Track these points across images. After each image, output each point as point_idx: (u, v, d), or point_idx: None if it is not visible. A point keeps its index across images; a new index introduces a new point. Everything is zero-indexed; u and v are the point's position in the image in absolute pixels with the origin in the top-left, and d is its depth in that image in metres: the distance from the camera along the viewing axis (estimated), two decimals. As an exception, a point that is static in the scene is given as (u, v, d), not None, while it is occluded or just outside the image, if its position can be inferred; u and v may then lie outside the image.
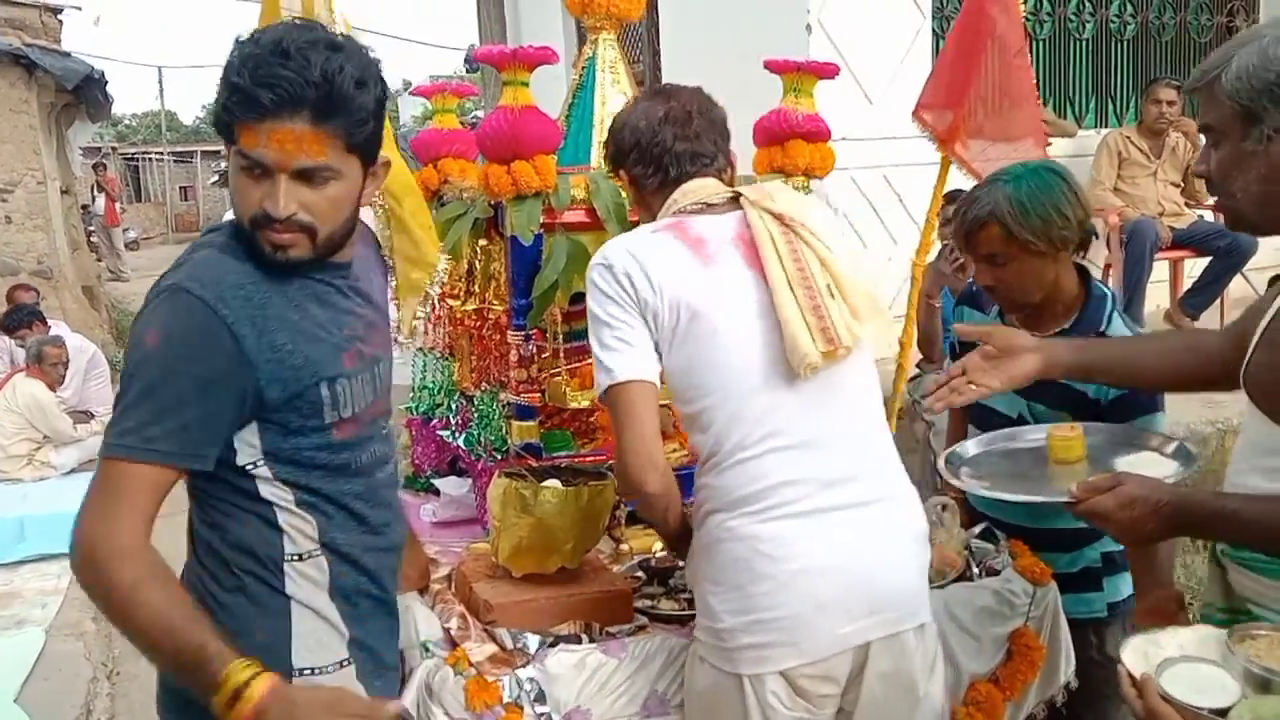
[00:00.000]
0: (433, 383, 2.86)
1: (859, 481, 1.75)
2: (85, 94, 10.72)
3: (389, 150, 2.62)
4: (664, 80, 6.42)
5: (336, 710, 1.38)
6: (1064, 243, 2.10)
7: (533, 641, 1.89)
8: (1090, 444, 1.90)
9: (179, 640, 1.36)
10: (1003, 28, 3.13)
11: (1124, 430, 2.01)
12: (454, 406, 2.73)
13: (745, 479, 1.71)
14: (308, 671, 1.55)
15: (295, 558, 1.54)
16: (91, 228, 15.26)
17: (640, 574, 2.20)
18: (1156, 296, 5.64)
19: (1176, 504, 1.53)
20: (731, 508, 1.72)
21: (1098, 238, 2.21)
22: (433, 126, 2.91)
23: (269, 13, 2.84)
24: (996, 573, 2.21)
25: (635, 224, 1.99)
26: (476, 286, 2.53)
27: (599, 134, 2.52)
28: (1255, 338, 1.58)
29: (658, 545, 2.26)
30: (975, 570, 2.22)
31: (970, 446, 2.04)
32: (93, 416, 6.51)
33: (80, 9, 12.64)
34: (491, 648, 1.90)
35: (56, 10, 11.17)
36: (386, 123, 2.62)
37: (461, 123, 3.04)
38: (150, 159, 28.69)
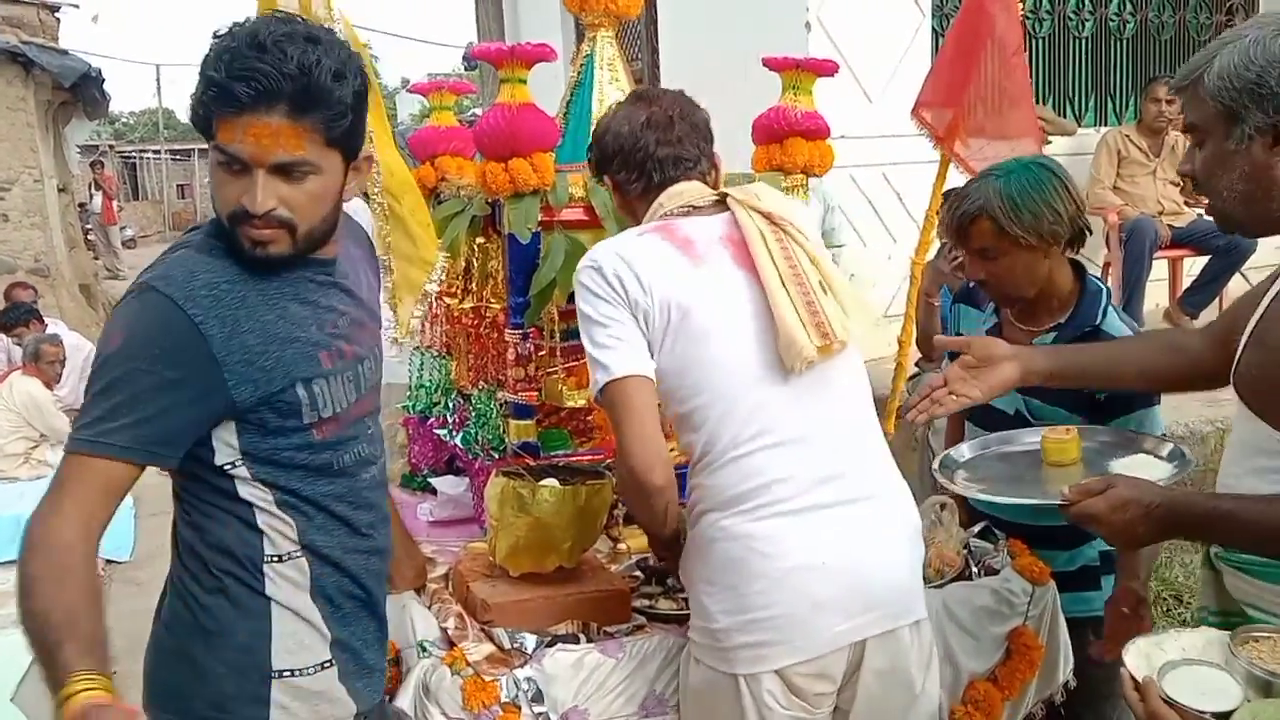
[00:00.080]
0: (430, 381, 2.85)
1: (851, 478, 1.75)
2: (82, 92, 10.71)
3: (388, 149, 2.61)
4: (662, 78, 6.42)
5: None
6: (1055, 238, 2.11)
7: (530, 641, 1.88)
8: (1085, 447, 1.91)
9: (46, 638, 1.32)
10: (1002, 26, 3.13)
11: (1119, 433, 2.03)
12: (451, 405, 2.72)
13: (738, 477, 1.71)
14: (288, 673, 1.54)
15: (275, 559, 1.53)
16: (89, 226, 15.25)
17: (638, 573, 2.19)
18: (1156, 295, 5.64)
19: (1168, 506, 1.52)
20: (725, 506, 1.72)
21: (1091, 233, 2.21)
22: (430, 124, 2.90)
23: (266, 11, 2.84)
24: (995, 572, 2.21)
25: (635, 223, 1.98)
26: (474, 285, 2.52)
27: (597, 132, 2.51)
28: (1244, 337, 1.58)
29: (656, 544, 2.26)
30: (974, 569, 2.21)
31: (965, 450, 2.05)
32: (90, 415, 6.49)
33: (78, 6, 12.62)
34: (489, 647, 1.90)
35: (54, 8, 11.16)
36: (385, 121, 2.62)
37: (459, 120, 3.04)
38: (147, 157, 28.67)
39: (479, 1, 8.72)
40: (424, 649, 1.93)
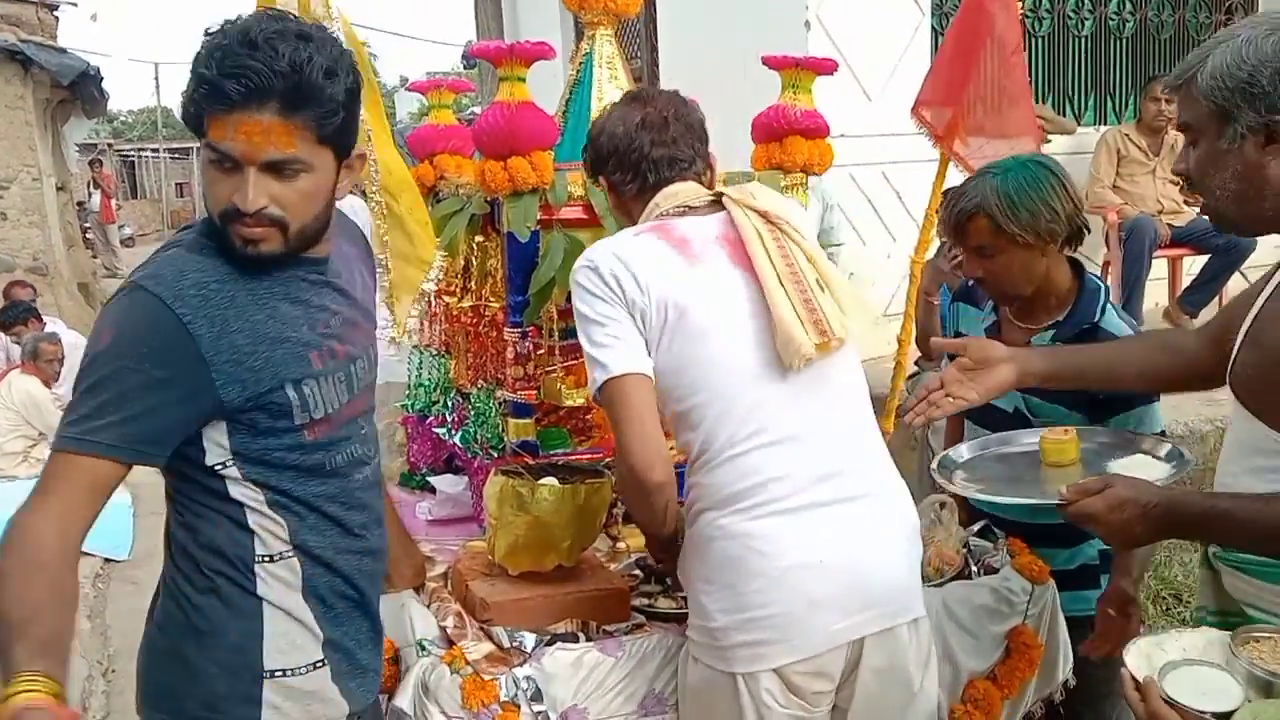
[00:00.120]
0: (429, 380, 2.85)
1: (848, 476, 1.75)
2: (81, 90, 10.70)
3: (386, 147, 2.60)
4: (662, 76, 6.42)
5: None
6: (1052, 235, 2.11)
7: (529, 640, 1.88)
8: (1084, 447, 1.92)
9: (1, 635, 1.31)
10: (1001, 25, 3.13)
11: (1117, 433, 2.03)
12: (450, 404, 2.72)
13: (735, 476, 1.71)
14: (279, 673, 1.54)
15: (266, 559, 1.53)
16: (87, 224, 15.24)
17: (637, 572, 2.19)
18: (1155, 294, 5.64)
19: (1166, 506, 1.53)
20: (722, 505, 1.72)
21: (1089, 232, 2.22)
22: (429, 122, 2.90)
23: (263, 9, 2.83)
24: (995, 571, 2.21)
25: (631, 224, 1.98)
26: (473, 283, 2.52)
27: (596, 130, 2.50)
28: (1240, 337, 1.58)
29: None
30: (974, 568, 2.21)
31: (964, 450, 2.06)
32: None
33: (76, 5, 12.63)
34: (488, 646, 1.89)
35: (52, 6, 11.14)
36: (384, 119, 2.61)
37: (458, 119, 3.03)
38: (146, 155, 28.67)
39: (478, 0, 8.71)
40: (423, 648, 1.93)
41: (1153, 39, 6.60)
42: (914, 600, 1.79)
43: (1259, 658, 1.29)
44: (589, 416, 2.57)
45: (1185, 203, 5.56)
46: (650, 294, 1.73)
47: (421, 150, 2.79)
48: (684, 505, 1.82)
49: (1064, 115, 6.15)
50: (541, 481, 2.03)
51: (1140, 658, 1.33)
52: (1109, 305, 2.20)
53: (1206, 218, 1.64)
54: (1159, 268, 5.51)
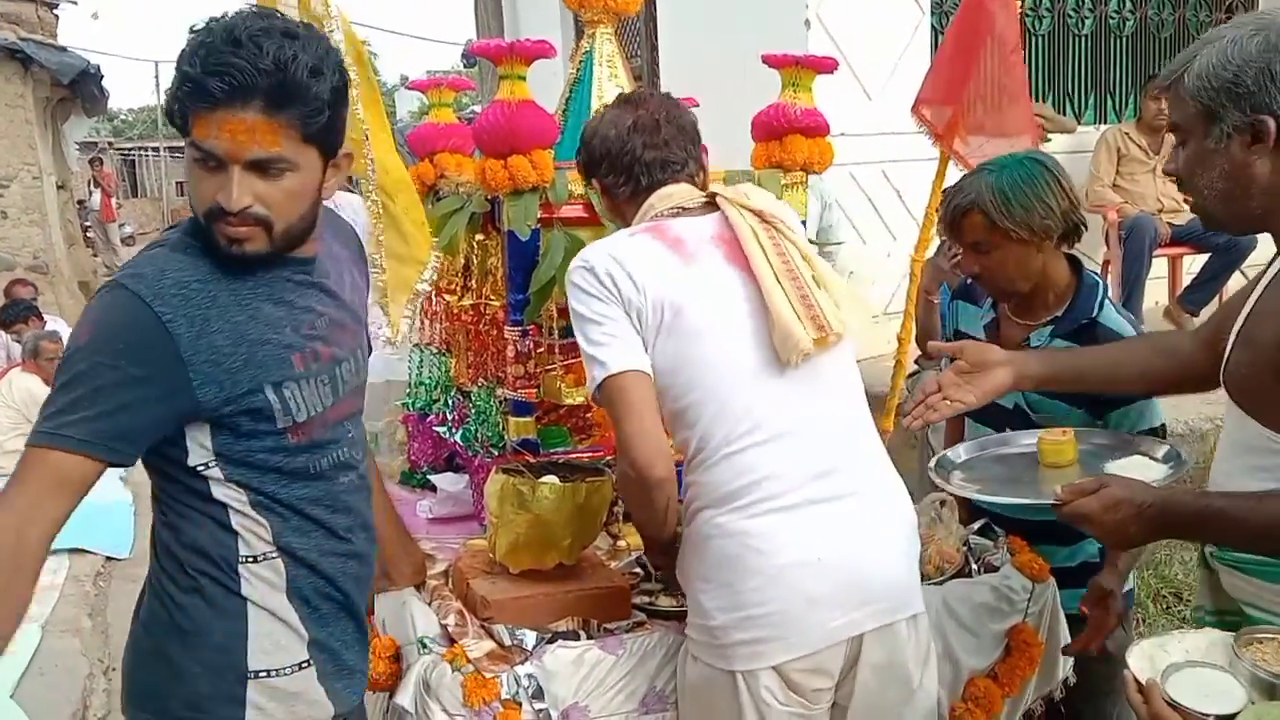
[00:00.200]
0: (429, 378, 2.85)
1: (845, 473, 1.76)
2: (81, 88, 10.71)
3: (384, 146, 2.59)
4: (662, 75, 6.42)
5: None
6: (1047, 232, 2.12)
7: (530, 638, 1.88)
8: (1081, 448, 1.93)
9: None
10: (1001, 24, 3.13)
11: (1115, 434, 2.05)
12: (450, 402, 2.72)
13: (731, 474, 1.71)
14: (264, 674, 1.54)
15: (250, 560, 1.52)
16: (87, 223, 15.24)
17: (638, 570, 2.19)
18: (1155, 293, 5.64)
19: (1160, 506, 1.53)
20: (719, 503, 1.72)
21: (1086, 228, 2.23)
22: (429, 121, 2.89)
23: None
24: (995, 569, 2.21)
25: (625, 226, 1.99)
26: (473, 282, 2.52)
27: (597, 128, 2.50)
28: (1232, 336, 1.59)
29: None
30: (974, 566, 2.21)
31: (961, 451, 2.07)
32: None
33: (76, 3, 12.62)
34: (489, 644, 1.89)
35: (52, 5, 11.15)
36: (383, 118, 2.60)
37: (458, 117, 3.03)
38: (146, 154, 28.67)
39: (478, -2, 8.71)
40: (424, 646, 1.93)
41: (1153, 38, 6.60)
42: (913, 596, 1.79)
43: (1262, 659, 1.28)
44: (589, 415, 2.57)
45: (1185, 201, 5.55)
46: (646, 293, 1.73)
47: (422, 149, 2.79)
48: (682, 504, 1.82)
49: (1064, 114, 6.15)
50: (542, 480, 2.03)
51: (1143, 659, 1.33)
52: (1107, 301, 2.20)
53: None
54: (1159, 266, 5.51)
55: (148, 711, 1.56)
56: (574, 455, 2.40)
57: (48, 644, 4.13)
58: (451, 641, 1.92)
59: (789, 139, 2.53)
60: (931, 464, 2.00)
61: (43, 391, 6.12)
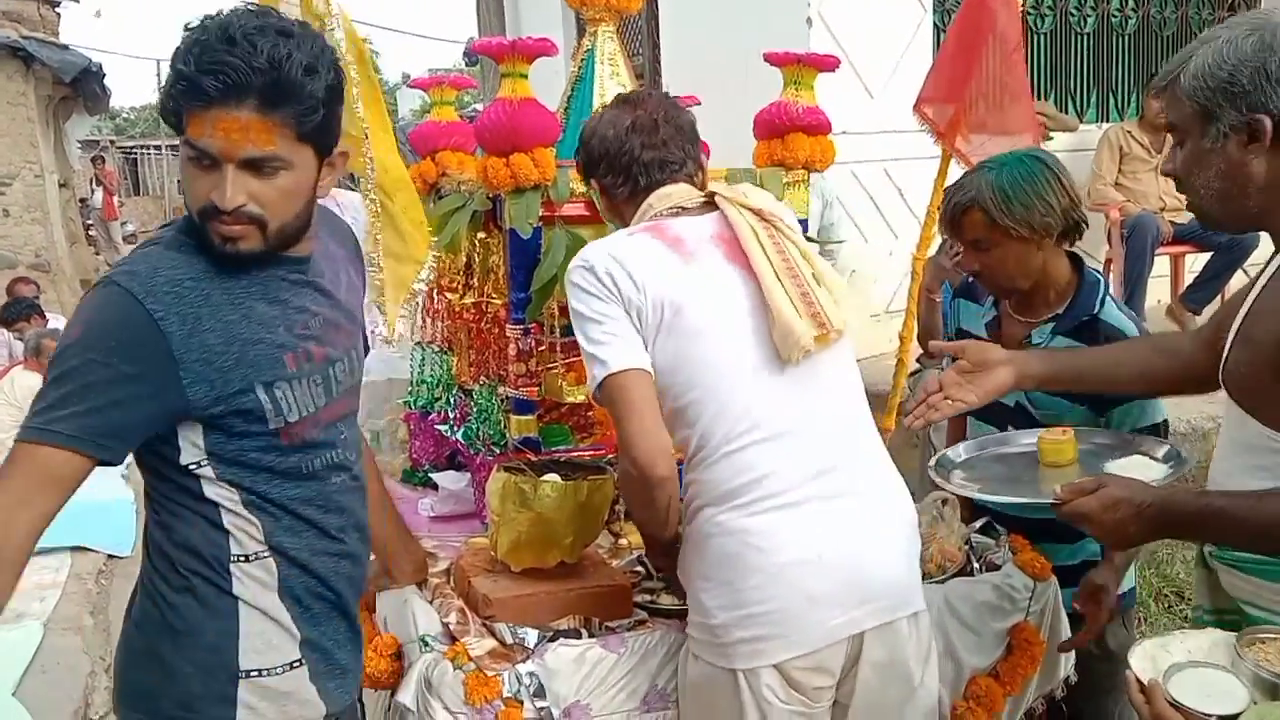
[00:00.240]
0: (431, 377, 2.85)
1: (844, 471, 1.76)
2: (83, 87, 10.71)
3: (384, 145, 2.59)
4: (663, 73, 6.41)
5: None
6: (1047, 229, 2.12)
7: (532, 636, 1.88)
8: (1081, 448, 1.93)
9: None
10: (1003, 22, 3.13)
11: (1115, 434, 2.05)
12: (452, 401, 2.72)
13: (731, 472, 1.72)
14: (255, 673, 1.53)
15: (242, 559, 1.52)
16: (89, 221, 15.25)
17: (640, 568, 2.19)
18: (1158, 292, 5.63)
19: (1159, 505, 1.54)
20: (720, 501, 1.72)
21: (1087, 226, 2.23)
22: (431, 119, 2.89)
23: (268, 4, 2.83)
24: (997, 568, 2.21)
25: (624, 226, 1.99)
26: (475, 280, 2.52)
27: (598, 127, 2.50)
28: (1231, 335, 1.59)
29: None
30: (976, 565, 2.22)
31: (961, 450, 2.08)
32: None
33: (78, 1, 12.61)
34: (491, 642, 1.90)
35: (54, 3, 11.15)
36: (384, 117, 2.60)
37: (460, 115, 3.03)
38: (148, 152, 28.65)
39: (480, -4, 8.70)
40: (426, 644, 1.93)
41: (1155, 36, 6.59)
42: (913, 594, 1.80)
43: (1265, 660, 1.28)
44: (591, 413, 2.57)
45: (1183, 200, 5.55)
46: (646, 292, 1.73)
47: (424, 147, 2.79)
48: (682, 503, 1.82)
49: (1066, 112, 6.14)
50: (544, 478, 2.03)
51: (1145, 659, 1.33)
52: (1109, 298, 2.20)
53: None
54: (1161, 265, 5.50)
55: (140, 711, 1.56)
56: (576, 453, 2.41)
57: (50, 642, 4.14)
58: (453, 639, 1.92)
59: (791, 137, 2.53)
60: (931, 463, 2.00)
61: (45, 389, 6.19)
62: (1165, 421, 2.14)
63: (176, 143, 1.47)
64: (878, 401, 3.74)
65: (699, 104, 3.00)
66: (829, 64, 2.58)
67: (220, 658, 1.52)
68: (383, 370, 3.48)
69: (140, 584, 1.58)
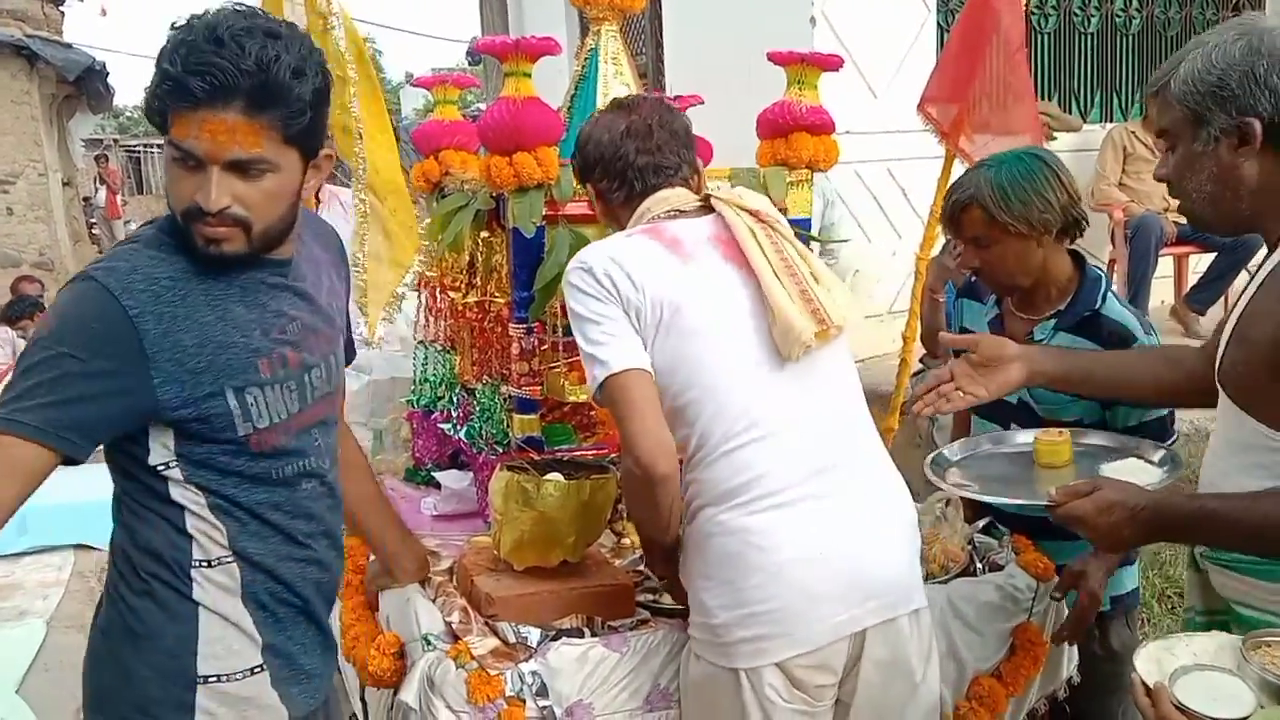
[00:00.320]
0: (434, 376, 2.85)
1: (844, 468, 1.76)
2: (87, 85, 10.73)
3: (380, 146, 2.59)
4: (666, 72, 6.41)
5: None
6: (1046, 226, 2.13)
7: (535, 635, 1.88)
8: (1077, 450, 1.94)
9: None
10: (1006, 22, 3.13)
11: (1111, 436, 2.06)
12: (455, 399, 2.72)
13: (730, 471, 1.72)
14: (213, 679, 1.52)
15: (203, 564, 1.51)
16: (93, 220, 15.27)
17: (642, 568, 2.19)
18: (1161, 292, 5.63)
19: (1154, 508, 1.55)
20: (719, 501, 1.72)
21: (1088, 224, 2.24)
22: (434, 118, 2.89)
23: (270, 5, 2.83)
24: (1000, 568, 2.21)
25: (620, 230, 1.99)
26: (478, 279, 2.52)
27: (602, 126, 2.50)
28: (1226, 335, 1.60)
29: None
30: (979, 565, 2.21)
31: (958, 449, 2.09)
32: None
33: (83, 0, 12.63)
34: (493, 641, 1.90)
35: (58, 1, 11.16)
36: (383, 117, 2.60)
37: (463, 114, 3.03)
38: (152, 151, 28.66)
39: (483, -5, 8.71)
40: (428, 642, 1.93)
41: (1159, 36, 6.58)
42: (915, 591, 1.80)
43: (1271, 663, 1.28)
44: (593, 413, 2.57)
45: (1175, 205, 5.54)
46: (645, 292, 1.74)
47: (427, 146, 2.78)
48: (683, 502, 1.82)
49: (1070, 112, 6.13)
50: (546, 477, 2.03)
51: (1150, 662, 1.32)
52: (1111, 294, 2.21)
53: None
54: (1165, 265, 5.50)
55: (102, 714, 1.55)
56: (579, 453, 2.41)
57: (53, 640, 4.14)
58: (456, 638, 1.92)
59: (794, 136, 2.52)
60: (927, 462, 2.01)
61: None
62: (1171, 413, 2.14)
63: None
64: (881, 402, 3.75)
65: (702, 103, 3.00)
66: (833, 63, 2.57)
67: (178, 662, 1.50)
68: (386, 369, 3.48)
69: (105, 587, 1.57)
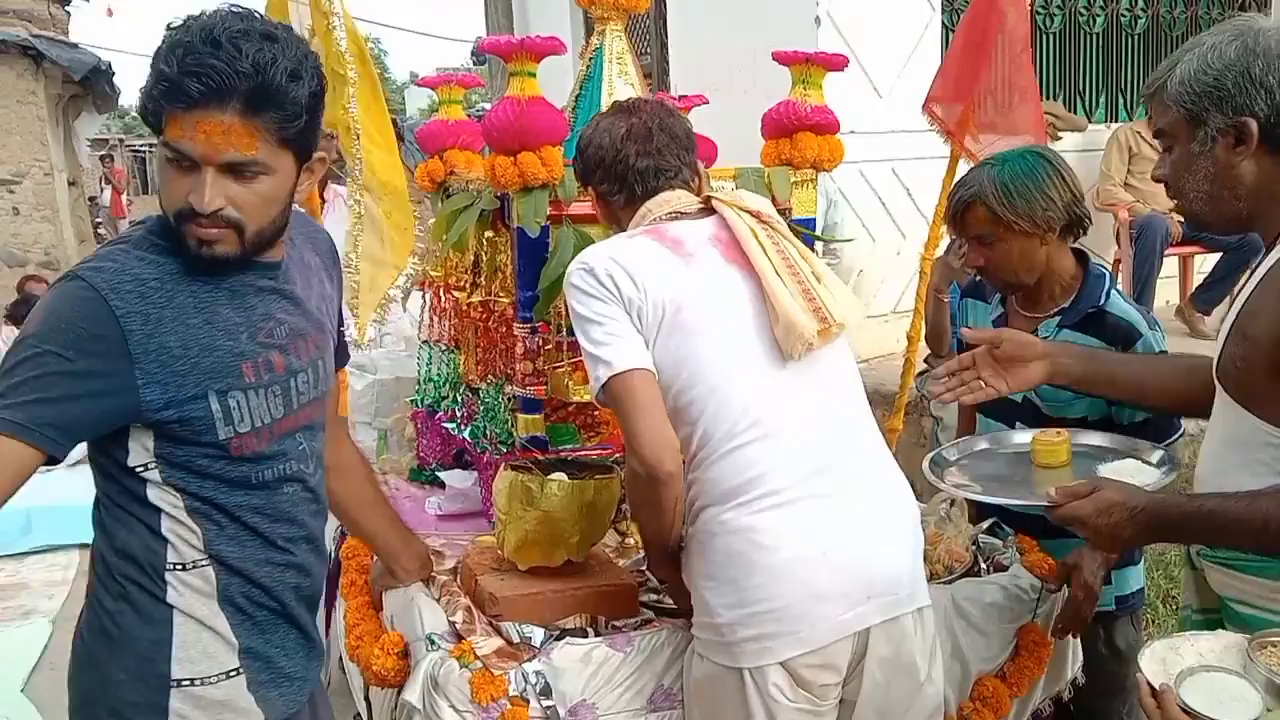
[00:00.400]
0: (438, 375, 2.85)
1: (846, 467, 1.76)
2: (92, 85, 10.75)
3: (380, 147, 2.58)
4: (671, 72, 6.41)
5: None
6: (1049, 224, 2.13)
7: (538, 635, 1.88)
8: (1076, 450, 1.94)
9: None
10: (1012, 21, 3.13)
11: (1110, 437, 2.06)
12: (460, 399, 2.72)
13: (733, 470, 1.72)
14: (187, 682, 1.52)
15: (179, 567, 1.51)
16: (98, 220, 15.30)
17: (645, 568, 2.19)
18: (1167, 292, 5.62)
19: (1153, 510, 1.56)
20: (722, 500, 1.72)
21: (1091, 222, 2.24)
22: (438, 118, 2.90)
23: (275, 4, 2.83)
24: (1004, 568, 2.20)
25: (621, 231, 1.99)
26: (482, 279, 2.52)
27: (606, 126, 2.50)
28: (1225, 330, 1.60)
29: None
30: (983, 566, 2.21)
31: (956, 449, 2.09)
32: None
33: (88, 0, 12.65)
34: (497, 641, 1.90)
35: (64, 1, 11.18)
36: (384, 117, 2.60)
37: (468, 114, 3.03)
38: (157, 151, 28.73)
39: (488, -5, 8.71)
40: (432, 642, 1.93)
41: (1165, 35, 6.56)
42: (918, 589, 1.80)
43: (1277, 664, 1.27)
44: (597, 413, 2.57)
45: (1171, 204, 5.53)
46: (647, 292, 1.74)
47: (431, 145, 2.79)
48: (685, 502, 1.82)
49: (1075, 112, 6.12)
50: (551, 477, 2.03)
51: (1155, 662, 1.32)
52: (1115, 291, 2.21)
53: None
54: (1170, 266, 5.49)
55: (81, 717, 1.55)
56: (583, 452, 2.41)
57: (58, 639, 4.15)
58: (459, 638, 1.92)
59: (799, 136, 2.52)
60: (926, 461, 2.01)
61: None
62: (1176, 416, 2.14)
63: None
64: (885, 402, 3.74)
65: (707, 103, 3.00)
66: (837, 63, 2.57)
67: (153, 666, 1.50)
68: (390, 368, 3.49)
69: (86, 591, 1.57)
